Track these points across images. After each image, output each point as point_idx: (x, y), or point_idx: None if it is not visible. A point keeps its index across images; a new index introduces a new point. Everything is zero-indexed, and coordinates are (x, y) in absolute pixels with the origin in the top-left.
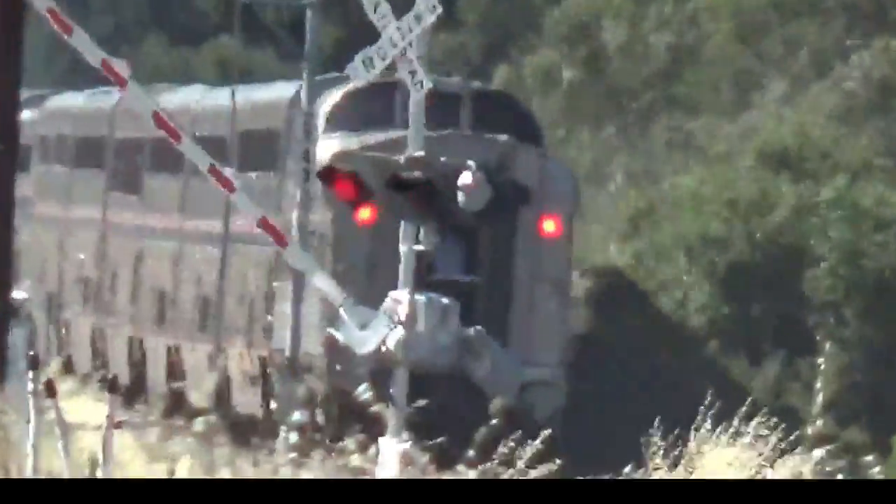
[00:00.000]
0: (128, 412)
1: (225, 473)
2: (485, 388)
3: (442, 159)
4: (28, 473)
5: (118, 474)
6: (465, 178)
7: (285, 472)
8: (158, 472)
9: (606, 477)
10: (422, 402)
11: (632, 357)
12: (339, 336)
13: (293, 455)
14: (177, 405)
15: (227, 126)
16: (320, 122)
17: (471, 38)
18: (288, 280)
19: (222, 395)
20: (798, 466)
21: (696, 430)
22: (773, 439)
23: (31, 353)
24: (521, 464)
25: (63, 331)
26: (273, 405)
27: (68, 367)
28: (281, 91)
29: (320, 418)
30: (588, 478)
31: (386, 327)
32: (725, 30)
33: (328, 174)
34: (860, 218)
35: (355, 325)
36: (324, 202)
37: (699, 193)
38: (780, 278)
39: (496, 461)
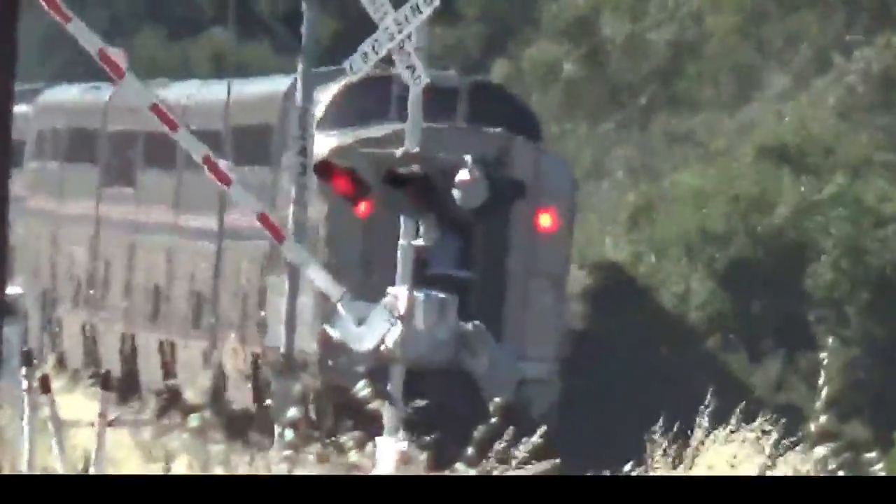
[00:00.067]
0: (121, 409)
1: (220, 471)
2: (483, 385)
3: (441, 155)
4: (22, 470)
5: (112, 472)
6: (463, 175)
7: (280, 470)
8: (154, 469)
9: (606, 474)
10: (420, 403)
11: (632, 353)
12: (333, 332)
13: (288, 452)
14: (171, 402)
15: (222, 120)
16: (316, 117)
17: (470, 31)
18: (282, 275)
19: (216, 392)
20: (800, 463)
21: (697, 427)
22: (775, 436)
23: (26, 349)
24: (516, 461)
25: (56, 327)
26: (268, 402)
27: (61, 364)
28: (275, 84)
29: (314, 415)
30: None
31: (385, 323)
32: (726, 24)
33: (325, 169)
34: (862, 214)
35: (353, 320)
36: (318, 197)
37: (700, 189)
38: (782, 274)
39: (492, 458)
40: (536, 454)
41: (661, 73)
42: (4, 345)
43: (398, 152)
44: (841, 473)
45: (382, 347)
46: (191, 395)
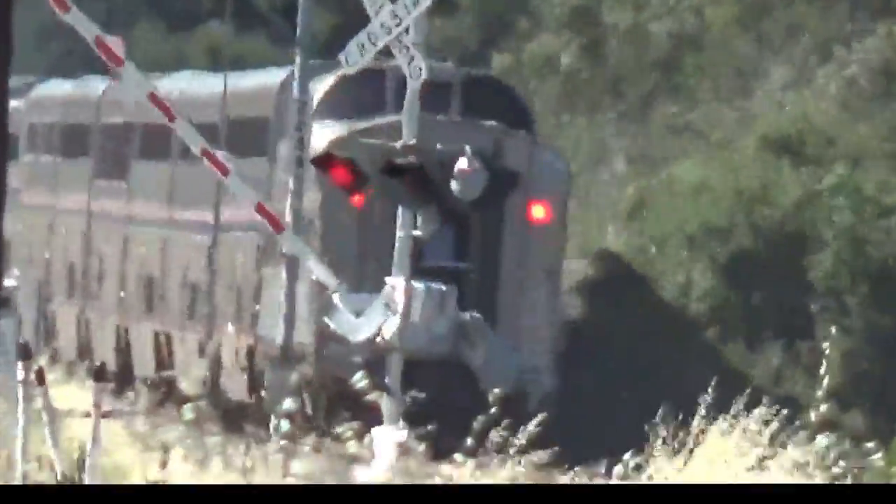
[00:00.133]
0: (116, 400)
1: (217, 462)
2: (481, 376)
3: (438, 146)
4: (17, 461)
5: (108, 463)
6: (462, 165)
7: (276, 460)
8: (150, 460)
9: (605, 461)
10: (419, 394)
11: (632, 344)
12: (330, 324)
13: (284, 442)
14: (166, 393)
15: (217, 112)
16: (312, 109)
17: (468, 23)
18: (277, 267)
19: (212, 384)
20: (800, 454)
21: (698, 417)
22: (775, 426)
23: (23, 341)
24: (514, 450)
25: (51, 319)
26: (263, 393)
27: (55, 356)
28: (271, 77)
29: (309, 406)
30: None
31: (381, 314)
32: (727, 15)
33: (324, 160)
34: (863, 204)
35: (349, 312)
36: (314, 189)
37: (700, 180)
38: (782, 265)
39: (491, 448)
40: (535, 444)
41: (661, 65)
42: None
43: (397, 144)
44: (841, 463)
45: (380, 339)
46: (186, 387)
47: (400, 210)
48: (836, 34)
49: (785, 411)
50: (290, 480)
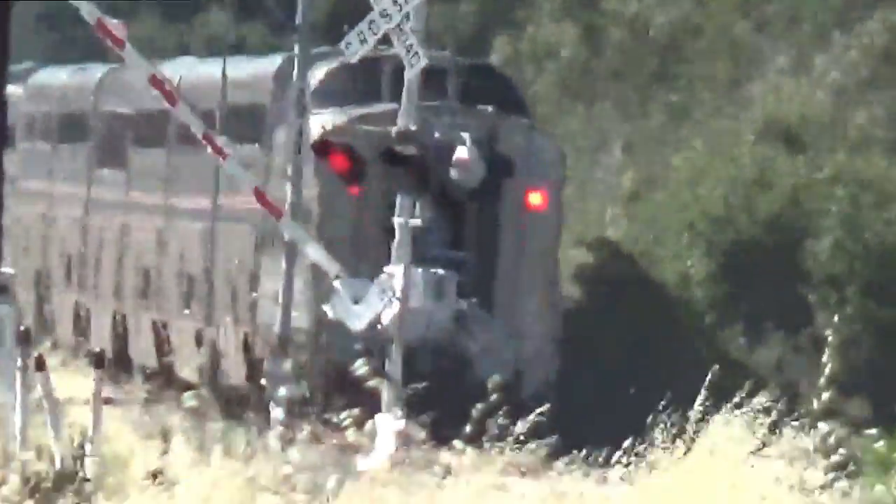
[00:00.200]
0: (115, 388)
1: (217, 450)
2: (478, 363)
3: (436, 135)
4: (17, 449)
5: (108, 451)
6: (461, 153)
7: (275, 448)
8: (150, 448)
9: (604, 450)
10: (418, 381)
11: (631, 332)
12: (329, 311)
13: (282, 431)
14: (165, 381)
15: (214, 99)
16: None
17: (468, 10)
18: (275, 255)
19: (210, 371)
20: (800, 441)
21: (697, 406)
22: (775, 414)
23: (23, 328)
24: (513, 439)
25: (49, 307)
26: (262, 381)
27: (54, 344)
28: (267, 64)
29: (308, 394)
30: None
31: (380, 301)
32: (726, 1)
33: (323, 147)
34: (862, 192)
35: (349, 298)
36: (311, 176)
37: (700, 168)
38: (781, 253)
39: (492, 435)
40: (534, 432)
41: (660, 52)
42: None
43: (395, 130)
44: (842, 451)
45: (379, 326)
46: (185, 374)
47: (398, 197)
48: (835, 21)
49: (785, 399)
50: (288, 469)
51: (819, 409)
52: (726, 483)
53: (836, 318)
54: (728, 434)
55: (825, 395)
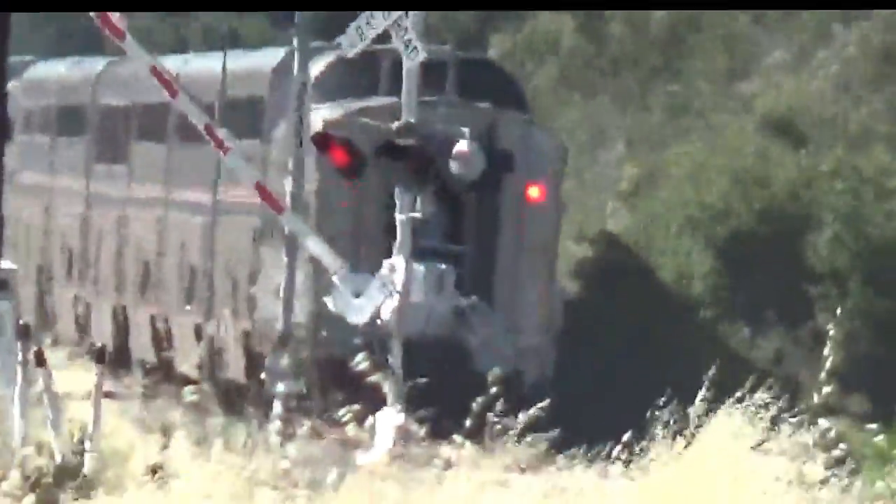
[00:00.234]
0: (115, 383)
1: (217, 444)
2: (478, 357)
3: (437, 127)
4: (17, 444)
5: (107, 446)
6: (461, 147)
7: (275, 443)
8: (150, 442)
9: (604, 444)
10: (418, 376)
11: (631, 325)
12: (330, 304)
13: (282, 426)
14: (165, 375)
15: (214, 93)
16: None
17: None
18: (275, 248)
19: (210, 366)
20: (801, 436)
21: (698, 400)
22: (775, 409)
23: (23, 322)
24: (514, 433)
25: (49, 301)
26: (262, 376)
27: (55, 339)
28: (266, 58)
29: (308, 389)
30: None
31: (380, 294)
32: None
33: (323, 141)
34: (862, 186)
35: (349, 292)
36: (310, 169)
37: (700, 162)
38: (782, 247)
39: (491, 431)
40: (534, 426)
41: (660, 46)
42: None
43: (395, 124)
44: (842, 446)
45: (379, 320)
46: (185, 369)
47: (398, 191)
48: (834, 15)
49: (785, 393)
50: (287, 464)
51: (819, 405)
52: (727, 478)
53: (838, 312)
54: (728, 429)
55: (826, 389)
